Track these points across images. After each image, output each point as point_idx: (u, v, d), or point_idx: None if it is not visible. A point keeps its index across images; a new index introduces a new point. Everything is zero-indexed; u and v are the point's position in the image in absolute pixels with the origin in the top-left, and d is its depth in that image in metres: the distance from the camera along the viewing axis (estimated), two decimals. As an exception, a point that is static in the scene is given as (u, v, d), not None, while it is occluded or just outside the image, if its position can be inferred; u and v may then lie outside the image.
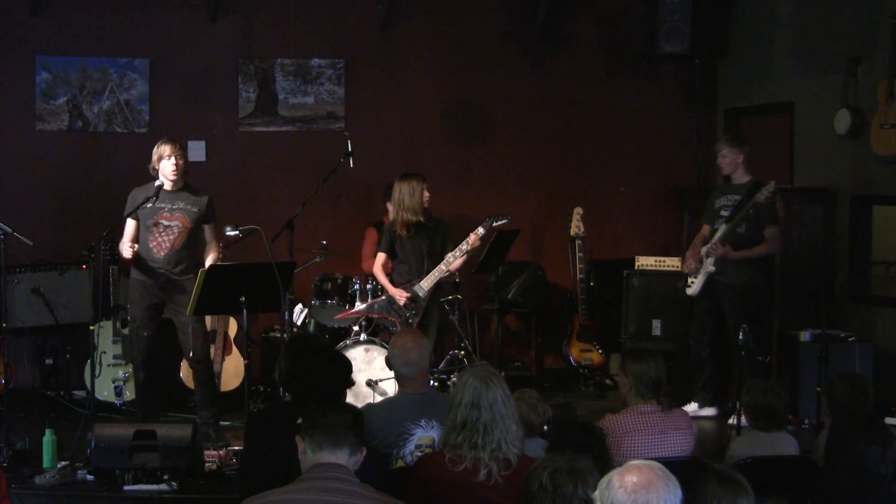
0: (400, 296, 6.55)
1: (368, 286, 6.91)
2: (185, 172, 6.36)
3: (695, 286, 6.89)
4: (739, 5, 8.58)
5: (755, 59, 8.38)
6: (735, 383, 6.67)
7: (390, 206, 6.95)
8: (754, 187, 6.63)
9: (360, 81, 8.37)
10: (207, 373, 6.51)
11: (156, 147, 6.32)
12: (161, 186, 6.26)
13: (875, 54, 7.02)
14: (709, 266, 6.77)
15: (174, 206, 6.29)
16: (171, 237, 6.28)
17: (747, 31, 8.50)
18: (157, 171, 6.29)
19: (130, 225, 6.32)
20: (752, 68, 8.41)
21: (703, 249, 6.82)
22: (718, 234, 6.74)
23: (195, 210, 6.33)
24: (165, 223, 6.28)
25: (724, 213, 6.81)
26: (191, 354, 6.39)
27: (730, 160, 6.88)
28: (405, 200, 6.55)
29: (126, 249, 6.20)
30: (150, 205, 6.22)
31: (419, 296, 6.56)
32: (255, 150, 8.23)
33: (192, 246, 6.38)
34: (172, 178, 6.26)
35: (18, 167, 7.87)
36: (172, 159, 6.23)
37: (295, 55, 8.25)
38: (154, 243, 6.28)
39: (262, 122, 8.24)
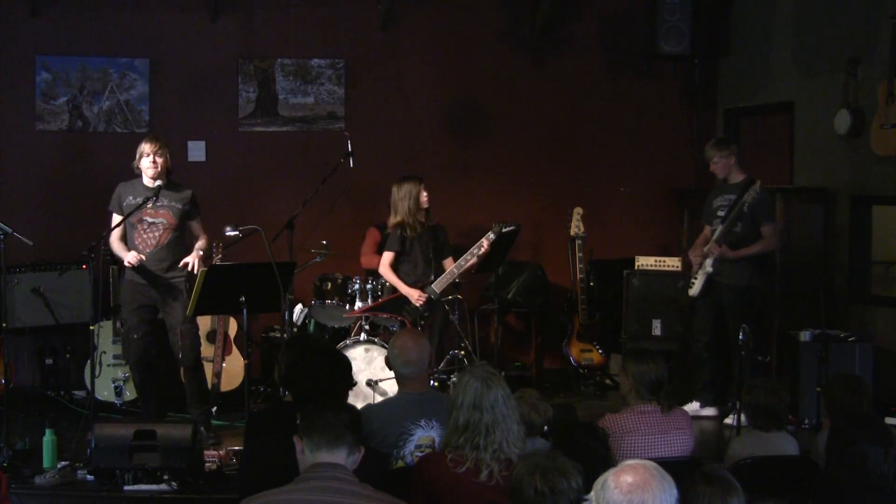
0: (419, 298, 6.53)
1: (368, 286, 6.90)
2: (169, 170, 6.34)
3: (696, 286, 6.90)
4: (739, 5, 8.58)
5: (755, 59, 8.38)
6: (735, 383, 6.68)
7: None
8: (748, 185, 6.66)
9: (360, 81, 8.37)
10: (197, 375, 6.50)
11: (139, 145, 6.32)
12: (160, 187, 6.26)
13: (875, 54, 7.02)
14: (707, 267, 6.79)
15: (158, 203, 6.28)
16: (157, 234, 6.29)
17: (747, 31, 8.50)
18: (140, 169, 6.30)
19: (117, 219, 6.34)
20: (752, 68, 8.41)
21: (705, 249, 6.84)
22: (716, 235, 6.76)
23: (179, 206, 6.33)
24: (150, 220, 6.28)
25: (720, 212, 6.85)
26: (179, 356, 6.39)
27: (722, 164, 6.90)
28: (400, 206, 6.54)
29: (132, 258, 6.18)
30: (150, 205, 6.22)
31: (431, 298, 6.57)
32: (255, 150, 8.23)
33: (178, 243, 6.35)
34: (150, 175, 6.26)
35: (18, 167, 7.88)
36: (151, 157, 6.23)
37: (295, 55, 8.25)
38: (139, 240, 6.29)
39: (262, 122, 8.24)
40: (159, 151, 6.25)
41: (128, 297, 6.40)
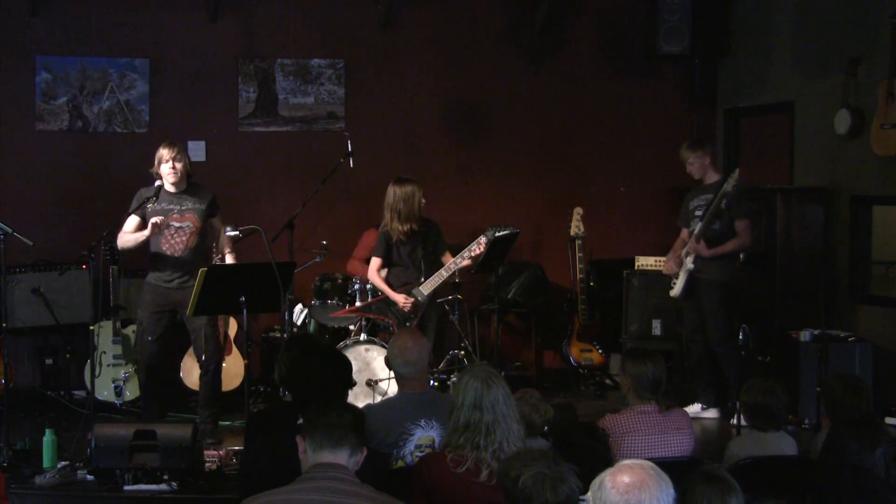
0: (405, 302, 6.53)
1: (368, 286, 6.90)
2: (188, 174, 6.38)
3: (677, 287, 6.94)
4: (739, 5, 8.57)
5: (755, 59, 8.38)
6: (733, 384, 6.69)
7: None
8: (725, 181, 6.68)
9: (360, 81, 8.37)
10: (215, 379, 6.53)
11: (157, 151, 6.35)
12: (161, 187, 6.28)
13: (875, 54, 7.02)
14: (688, 264, 6.82)
15: (183, 207, 6.33)
16: (184, 238, 6.32)
17: (747, 31, 8.50)
18: (158, 175, 6.33)
19: (133, 221, 6.35)
20: (752, 68, 8.41)
21: (683, 250, 6.87)
22: (696, 232, 6.80)
23: (203, 208, 6.39)
24: (177, 224, 6.32)
25: (698, 212, 6.88)
26: (202, 358, 6.43)
27: (698, 165, 6.93)
28: (401, 207, 6.51)
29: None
30: (150, 205, 6.24)
31: (419, 300, 6.56)
32: (255, 150, 8.23)
33: (202, 245, 6.47)
34: (172, 181, 6.28)
35: (18, 167, 7.87)
36: (170, 163, 6.26)
37: (295, 55, 8.25)
38: (167, 245, 6.32)
39: (262, 122, 8.24)
40: (178, 156, 6.29)
41: (147, 300, 6.41)
